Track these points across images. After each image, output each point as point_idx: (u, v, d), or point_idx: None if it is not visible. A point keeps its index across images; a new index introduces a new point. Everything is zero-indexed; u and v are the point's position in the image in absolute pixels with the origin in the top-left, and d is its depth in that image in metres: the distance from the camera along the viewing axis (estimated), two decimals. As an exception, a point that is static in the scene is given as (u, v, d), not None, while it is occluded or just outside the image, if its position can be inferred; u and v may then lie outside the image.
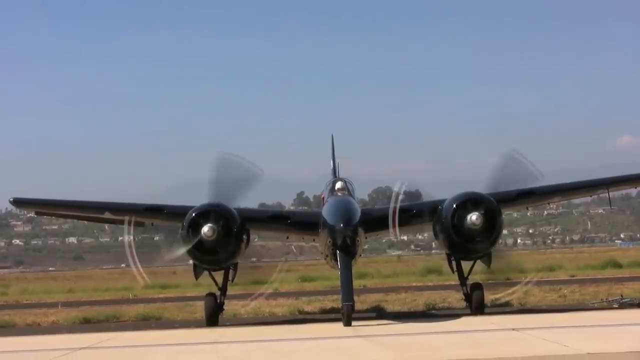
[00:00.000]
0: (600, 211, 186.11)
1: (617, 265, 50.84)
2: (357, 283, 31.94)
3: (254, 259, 25.54)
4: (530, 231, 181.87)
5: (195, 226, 21.40)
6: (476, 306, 22.71)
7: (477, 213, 21.39)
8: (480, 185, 22.53)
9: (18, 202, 25.46)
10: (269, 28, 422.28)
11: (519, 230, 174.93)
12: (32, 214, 39.59)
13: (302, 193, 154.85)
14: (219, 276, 23.39)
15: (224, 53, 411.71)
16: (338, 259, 20.63)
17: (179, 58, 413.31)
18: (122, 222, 23.31)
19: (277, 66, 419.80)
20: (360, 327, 19.37)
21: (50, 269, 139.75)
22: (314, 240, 24.57)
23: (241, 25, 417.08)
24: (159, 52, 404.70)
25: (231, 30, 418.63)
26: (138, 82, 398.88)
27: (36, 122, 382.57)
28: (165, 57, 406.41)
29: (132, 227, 23.11)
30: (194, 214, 21.57)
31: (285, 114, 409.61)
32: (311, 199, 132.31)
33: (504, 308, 24.98)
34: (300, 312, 28.50)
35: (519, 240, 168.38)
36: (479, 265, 23.07)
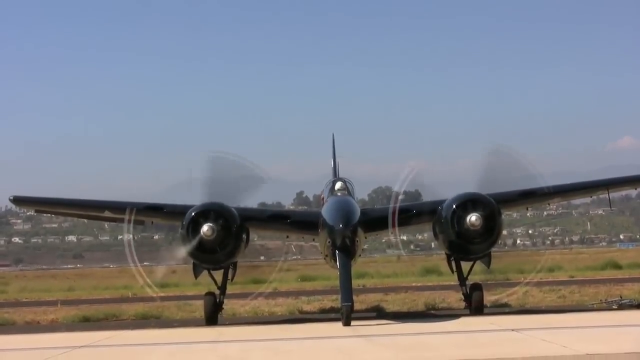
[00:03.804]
0: (600, 212, 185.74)
1: (617, 266, 50.82)
2: (356, 283, 31.99)
3: None
4: (530, 232, 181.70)
5: (194, 225, 21.35)
6: (475, 307, 22.70)
7: (476, 214, 21.32)
8: (472, 184, 22.39)
9: (18, 200, 25.43)
10: (270, 28, 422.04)
11: (518, 230, 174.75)
12: (32, 212, 39.46)
13: (302, 193, 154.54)
14: (218, 275, 23.38)
15: (224, 53, 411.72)
16: (337, 259, 20.62)
17: (179, 58, 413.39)
18: (122, 221, 23.29)
19: (278, 66, 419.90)
20: (360, 327, 19.35)
21: (44, 267, 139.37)
22: (313, 239, 24.55)
23: (241, 26, 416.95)
24: (160, 52, 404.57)
25: (231, 31, 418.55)
26: (140, 82, 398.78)
27: (37, 121, 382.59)
28: (165, 57, 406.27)
29: (131, 226, 23.10)
30: (193, 213, 21.54)
31: (285, 114, 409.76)
32: (311, 199, 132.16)
33: (503, 309, 24.99)
34: (300, 312, 28.49)
35: (518, 241, 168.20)
36: (479, 265, 23.06)
